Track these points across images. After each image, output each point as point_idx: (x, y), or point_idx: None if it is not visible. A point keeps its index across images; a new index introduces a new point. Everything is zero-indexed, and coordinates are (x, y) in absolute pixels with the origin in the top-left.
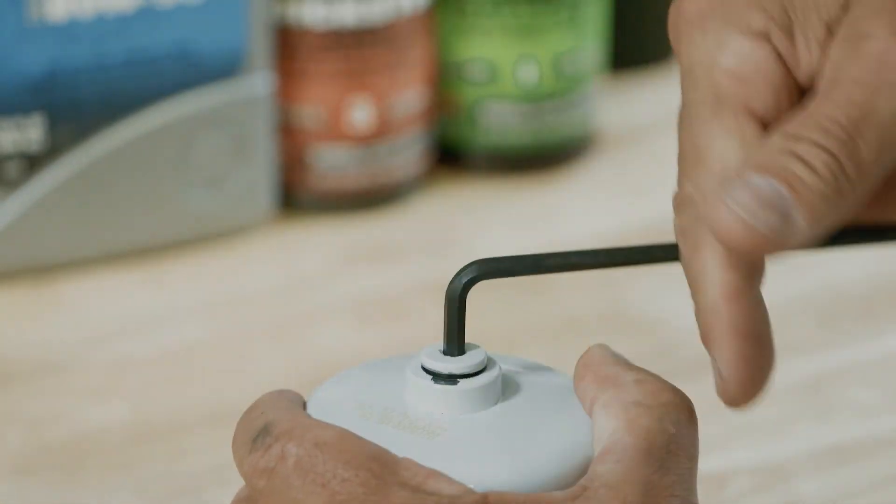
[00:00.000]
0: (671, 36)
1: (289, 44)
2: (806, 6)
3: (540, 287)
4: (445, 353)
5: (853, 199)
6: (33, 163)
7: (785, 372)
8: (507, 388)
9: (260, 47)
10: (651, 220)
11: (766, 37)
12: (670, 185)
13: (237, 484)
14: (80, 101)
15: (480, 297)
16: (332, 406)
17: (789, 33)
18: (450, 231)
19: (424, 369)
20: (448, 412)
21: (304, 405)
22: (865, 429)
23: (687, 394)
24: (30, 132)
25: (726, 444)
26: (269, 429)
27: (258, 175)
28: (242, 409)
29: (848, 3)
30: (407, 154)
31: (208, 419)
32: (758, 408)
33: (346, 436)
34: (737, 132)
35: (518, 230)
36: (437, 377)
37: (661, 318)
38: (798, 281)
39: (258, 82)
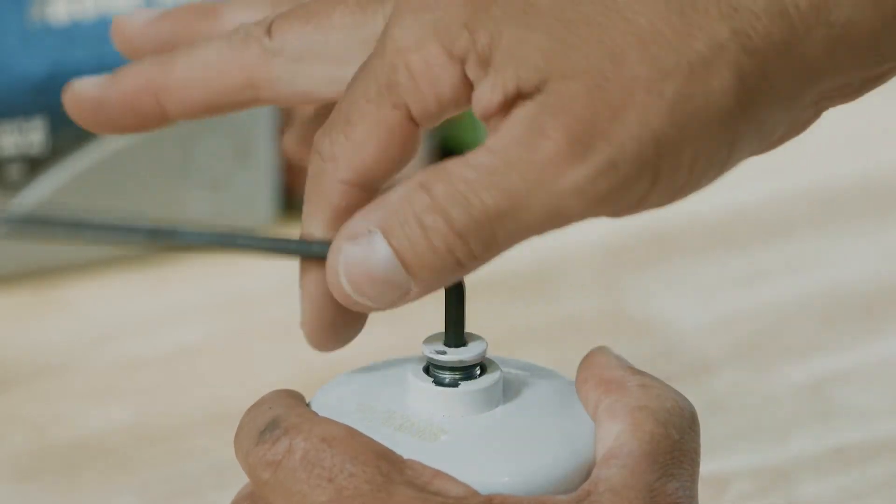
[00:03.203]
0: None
1: None
2: (509, 55)
3: (541, 288)
4: (447, 343)
5: (468, 272)
6: (35, 165)
7: (786, 374)
8: (508, 390)
9: None
10: (649, 220)
11: (462, 61)
12: None
13: (239, 485)
14: None
15: (481, 299)
16: (333, 408)
17: (485, 68)
18: None
19: (425, 368)
20: (449, 414)
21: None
22: (866, 431)
23: (688, 396)
24: (31, 135)
25: (727, 446)
26: (278, 422)
27: (260, 178)
28: (244, 410)
29: (547, 76)
30: None
31: (210, 421)
32: (759, 410)
33: (353, 433)
34: (388, 126)
35: None
36: (439, 380)
37: (661, 319)
38: (799, 283)
39: None
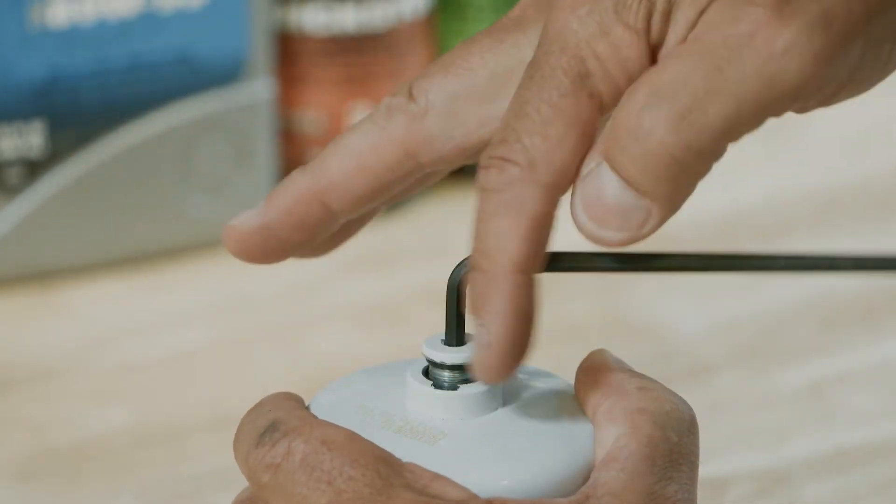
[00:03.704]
0: None
1: (290, 50)
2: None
3: (540, 290)
4: (446, 342)
5: (699, 175)
6: (34, 169)
7: (786, 377)
8: (507, 393)
9: (261, 53)
10: None
11: (646, 31)
12: None
13: (238, 487)
14: (80, 106)
15: None
16: (333, 410)
17: (667, 19)
18: (451, 237)
19: (424, 371)
20: (449, 417)
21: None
22: (865, 434)
23: (687, 398)
24: (31, 138)
25: (727, 449)
26: (277, 425)
27: (259, 181)
28: (243, 413)
29: None
30: None
31: (209, 423)
32: (759, 413)
33: (353, 436)
34: (585, 117)
35: None
36: (438, 382)
37: (661, 322)
38: (798, 287)
39: (259, 88)
